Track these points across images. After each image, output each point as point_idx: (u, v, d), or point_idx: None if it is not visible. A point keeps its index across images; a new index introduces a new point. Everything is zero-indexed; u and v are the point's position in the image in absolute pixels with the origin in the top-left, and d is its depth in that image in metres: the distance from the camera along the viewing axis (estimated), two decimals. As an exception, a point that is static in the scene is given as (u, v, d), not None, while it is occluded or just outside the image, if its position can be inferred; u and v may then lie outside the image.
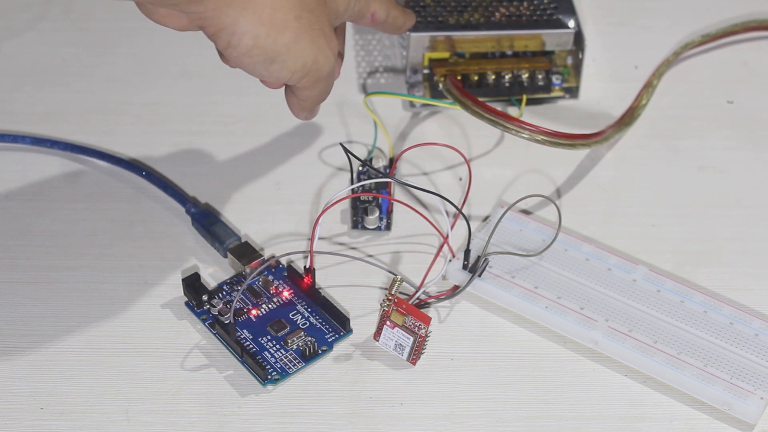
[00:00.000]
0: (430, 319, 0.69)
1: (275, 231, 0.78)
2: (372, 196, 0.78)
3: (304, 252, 0.76)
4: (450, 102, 0.81)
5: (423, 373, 0.70)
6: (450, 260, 0.74)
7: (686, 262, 0.76)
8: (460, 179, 0.81)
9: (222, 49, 0.65)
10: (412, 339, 0.69)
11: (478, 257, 0.73)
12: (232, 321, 0.70)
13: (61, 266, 0.75)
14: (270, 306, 0.73)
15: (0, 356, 0.71)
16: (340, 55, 0.73)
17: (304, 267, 0.74)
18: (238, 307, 0.73)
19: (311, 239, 0.72)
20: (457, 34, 0.83)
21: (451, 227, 0.76)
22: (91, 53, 0.90)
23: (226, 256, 0.76)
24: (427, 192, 0.73)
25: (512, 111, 0.85)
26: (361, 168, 0.81)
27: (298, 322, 0.72)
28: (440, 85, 0.84)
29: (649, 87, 0.86)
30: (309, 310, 0.73)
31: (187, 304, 0.73)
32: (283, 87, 0.70)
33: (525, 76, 0.85)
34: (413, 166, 0.82)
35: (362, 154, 0.83)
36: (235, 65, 0.66)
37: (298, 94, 0.70)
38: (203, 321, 0.72)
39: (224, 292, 0.74)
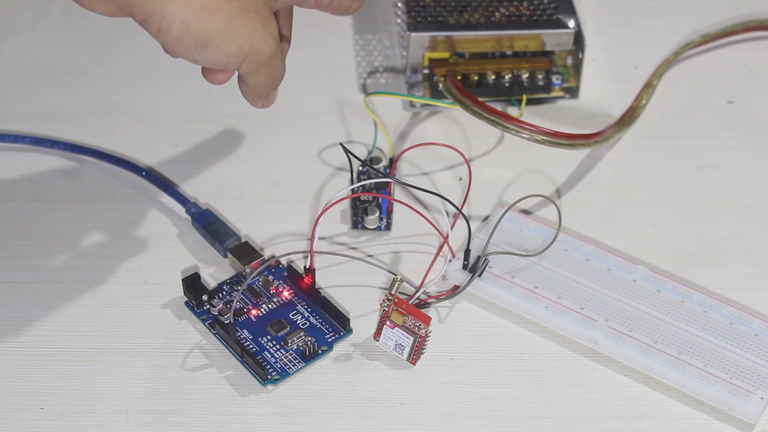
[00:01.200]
0: (430, 319, 0.69)
1: (275, 231, 0.78)
2: (372, 196, 0.78)
3: (304, 252, 0.76)
4: (450, 102, 0.81)
5: (423, 373, 0.70)
6: (450, 260, 0.74)
7: (686, 262, 0.76)
8: (460, 179, 0.81)
9: (154, 35, 0.64)
10: (412, 339, 0.69)
11: (478, 257, 0.73)
12: (232, 321, 0.70)
13: (61, 266, 0.75)
14: (270, 306, 0.73)
15: (0, 356, 0.71)
16: (286, 40, 0.71)
17: (304, 267, 0.74)
18: (238, 307, 0.73)
19: (311, 239, 0.72)
20: (457, 34, 0.83)
21: (451, 227, 0.76)
22: (91, 53, 0.90)
23: (226, 256, 0.76)
24: (427, 192, 0.73)
25: (512, 111, 0.85)
26: (361, 168, 0.81)
27: (298, 322, 0.72)
28: (440, 85, 0.84)
29: (649, 87, 0.86)
30: (309, 310, 0.73)
31: (187, 304, 0.73)
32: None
33: (525, 76, 0.85)
34: (413, 166, 0.82)
35: (362, 154, 0.83)
36: (170, 53, 0.65)
37: (246, 82, 0.68)
38: (203, 321, 0.72)
39: (224, 292, 0.74)
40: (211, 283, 0.75)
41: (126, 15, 0.64)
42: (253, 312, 0.73)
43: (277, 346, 0.71)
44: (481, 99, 0.80)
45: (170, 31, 0.63)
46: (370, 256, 0.76)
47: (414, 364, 0.71)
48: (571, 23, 0.84)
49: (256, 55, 0.66)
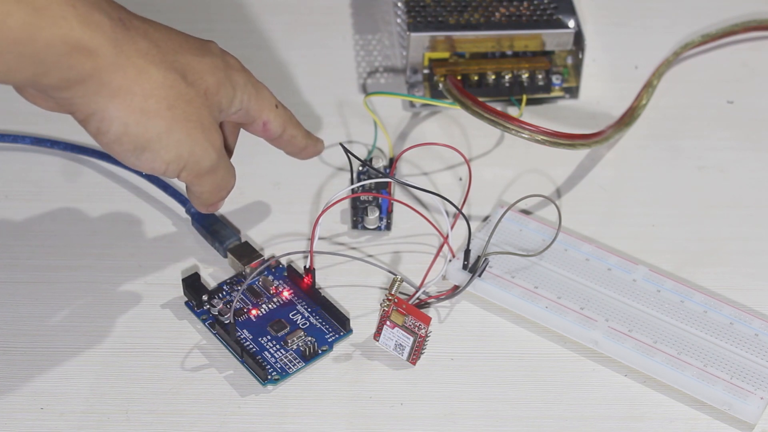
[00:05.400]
0: (430, 319, 0.69)
1: (275, 231, 0.78)
2: (372, 196, 0.78)
3: (304, 252, 0.76)
4: (450, 102, 0.81)
5: (423, 373, 0.70)
6: (450, 260, 0.74)
7: (686, 262, 0.76)
8: (460, 179, 0.81)
9: (92, 135, 0.63)
10: (412, 339, 0.69)
11: (478, 257, 0.73)
12: (232, 321, 0.70)
13: (61, 266, 0.75)
14: (270, 306, 0.73)
15: (0, 356, 0.71)
16: (229, 152, 0.71)
17: (304, 267, 0.74)
18: (238, 307, 0.73)
19: (311, 239, 0.72)
20: (457, 34, 0.83)
21: (451, 227, 0.76)
22: (91, 53, 0.90)
23: (226, 256, 0.76)
24: (427, 192, 0.73)
25: (512, 111, 0.85)
26: (361, 168, 0.81)
27: (298, 322, 0.72)
28: (440, 85, 0.84)
29: (649, 87, 0.86)
30: (309, 310, 0.73)
31: (187, 304, 0.73)
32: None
33: (525, 76, 0.85)
34: (413, 166, 0.82)
35: (362, 154, 0.83)
36: (108, 152, 0.64)
37: (191, 189, 0.69)
38: (203, 321, 0.72)
39: (224, 292, 0.74)
40: (211, 283, 0.75)
41: (66, 112, 0.63)
42: (253, 312, 0.73)
43: (277, 346, 0.71)
44: (481, 99, 0.80)
45: (109, 132, 0.63)
46: (370, 256, 0.76)
47: (414, 364, 0.71)
48: (571, 23, 0.84)
49: (196, 164, 0.66)
